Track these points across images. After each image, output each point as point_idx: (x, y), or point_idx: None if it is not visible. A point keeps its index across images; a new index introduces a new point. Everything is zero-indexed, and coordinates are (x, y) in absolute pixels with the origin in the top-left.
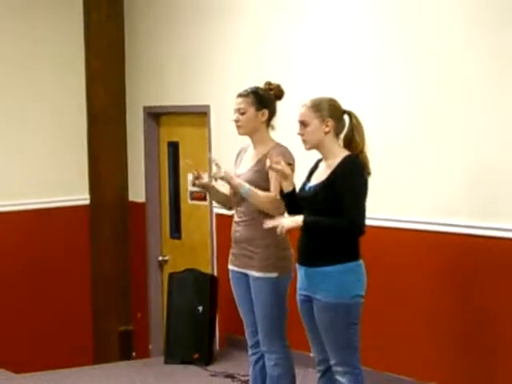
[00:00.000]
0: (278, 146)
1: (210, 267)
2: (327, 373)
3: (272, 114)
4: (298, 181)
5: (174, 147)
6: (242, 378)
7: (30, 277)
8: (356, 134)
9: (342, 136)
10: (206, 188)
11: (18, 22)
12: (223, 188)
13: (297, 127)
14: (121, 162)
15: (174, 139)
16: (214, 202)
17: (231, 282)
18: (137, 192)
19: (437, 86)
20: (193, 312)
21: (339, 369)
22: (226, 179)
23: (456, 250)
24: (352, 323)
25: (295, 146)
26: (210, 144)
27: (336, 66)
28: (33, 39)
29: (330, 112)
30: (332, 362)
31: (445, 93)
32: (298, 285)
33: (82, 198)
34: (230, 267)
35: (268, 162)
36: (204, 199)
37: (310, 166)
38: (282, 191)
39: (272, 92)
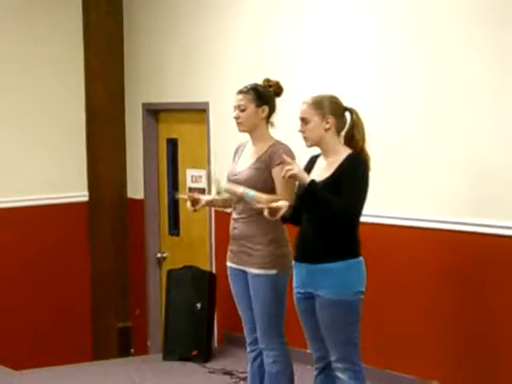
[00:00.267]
0: (278, 143)
1: (209, 264)
2: (325, 370)
3: (272, 110)
4: None
5: (172, 144)
6: (241, 375)
7: (28, 273)
8: (356, 131)
9: (342, 133)
10: (209, 205)
11: (16, 21)
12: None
13: (297, 125)
14: (119, 159)
15: (173, 136)
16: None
17: (229, 279)
18: (135, 189)
19: (438, 83)
20: (191, 309)
21: (339, 365)
22: (230, 193)
23: (457, 248)
24: (353, 319)
25: (296, 144)
26: (209, 141)
27: (336, 63)
28: (32, 38)
29: (330, 109)
30: (332, 359)
31: (446, 90)
32: (296, 282)
33: (81, 194)
34: (229, 264)
35: (266, 214)
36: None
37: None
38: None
39: (271, 89)
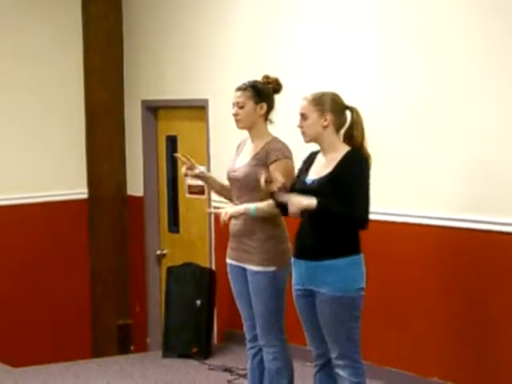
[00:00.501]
0: (277, 140)
1: (208, 261)
2: (325, 367)
3: (270, 107)
4: None
5: (172, 141)
6: (240, 372)
7: (28, 270)
8: (355, 129)
9: (342, 131)
10: (201, 179)
11: (16, 18)
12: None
13: (296, 122)
14: (119, 156)
15: (173, 133)
16: (212, 192)
17: (229, 276)
18: (135, 186)
19: (438, 82)
20: (191, 306)
21: (340, 362)
22: (236, 215)
23: (458, 245)
24: (355, 316)
25: (295, 141)
26: (209, 138)
27: (336, 61)
28: (31, 35)
29: (330, 106)
30: (333, 356)
31: (446, 89)
32: (295, 280)
33: (81, 192)
34: (228, 261)
35: (262, 182)
36: (202, 193)
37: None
38: (272, 195)
39: (270, 86)
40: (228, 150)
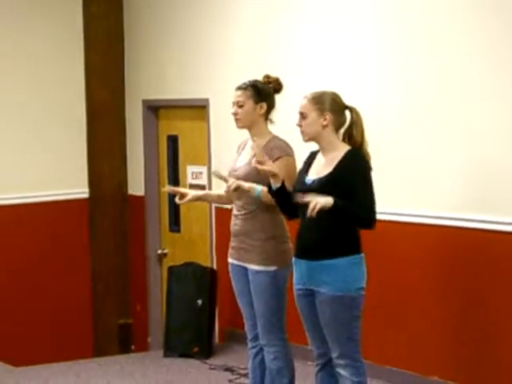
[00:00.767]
0: (277, 139)
1: (210, 260)
2: (326, 367)
3: (270, 107)
4: None
5: (173, 141)
6: (242, 372)
7: (29, 270)
8: (354, 129)
9: (342, 131)
10: (197, 200)
11: (16, 17)
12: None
13: (296, 121)
14: (120, 156)
15: (174, 132)
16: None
17: (230, 276)
18: (136, 185)
19: (438, 82)
20: (192, 305)
21: (341, 362)
22: (240, 188)
23: (457, 245)
24: (355, 316)
25: (295, 141)
26: (210, 137)
27: (336, 61)
28: (32, 34)
29: (330, 106)
30: (334, 355)
31: (446, 89)
32: (296, 279)
33: (82, 191)
34: (230, 260)
35: (253, 162)
36: None
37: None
38: (270, 187)
39: (271, 85)
40: (229, 149)
